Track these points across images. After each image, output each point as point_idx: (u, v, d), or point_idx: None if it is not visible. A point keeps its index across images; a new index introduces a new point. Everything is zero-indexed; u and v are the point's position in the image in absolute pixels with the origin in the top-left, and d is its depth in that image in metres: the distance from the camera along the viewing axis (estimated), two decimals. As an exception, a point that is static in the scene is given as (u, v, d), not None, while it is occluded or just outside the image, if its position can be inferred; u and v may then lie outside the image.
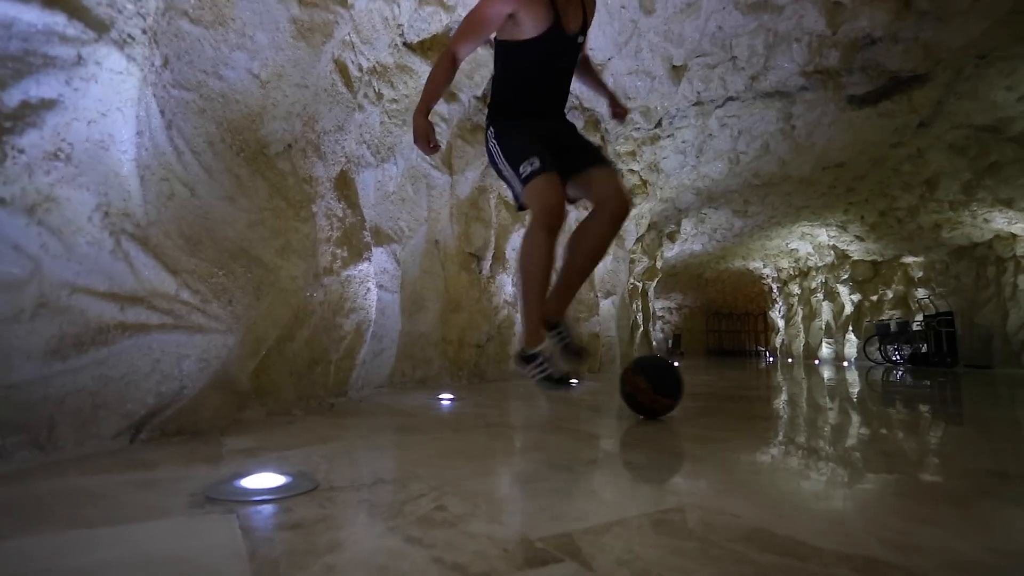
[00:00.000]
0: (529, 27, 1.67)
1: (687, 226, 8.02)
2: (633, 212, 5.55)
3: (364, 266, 2.27)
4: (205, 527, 0.69)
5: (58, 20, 0.91)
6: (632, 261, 6.26)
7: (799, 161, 5.99)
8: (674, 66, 3.96)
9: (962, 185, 6.60)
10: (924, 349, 7.80)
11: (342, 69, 2.27)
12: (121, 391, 1.12)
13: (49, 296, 0.97)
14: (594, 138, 4.38)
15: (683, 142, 5.13)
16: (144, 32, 1.09)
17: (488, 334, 3.57)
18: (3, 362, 0.91)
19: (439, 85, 1.70)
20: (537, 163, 1.62)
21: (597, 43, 3.58)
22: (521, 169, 1.63)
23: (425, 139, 1.62)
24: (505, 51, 1.77)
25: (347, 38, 2.27)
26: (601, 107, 4.15)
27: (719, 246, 9.93)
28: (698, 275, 13.70)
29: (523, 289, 1.66)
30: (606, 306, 4.92)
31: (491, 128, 1.78)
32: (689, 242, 9.00)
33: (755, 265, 12.40)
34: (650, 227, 6.67)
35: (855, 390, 3.64)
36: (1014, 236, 7.18)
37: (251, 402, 1.61)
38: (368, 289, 2.30)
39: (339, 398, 2.12)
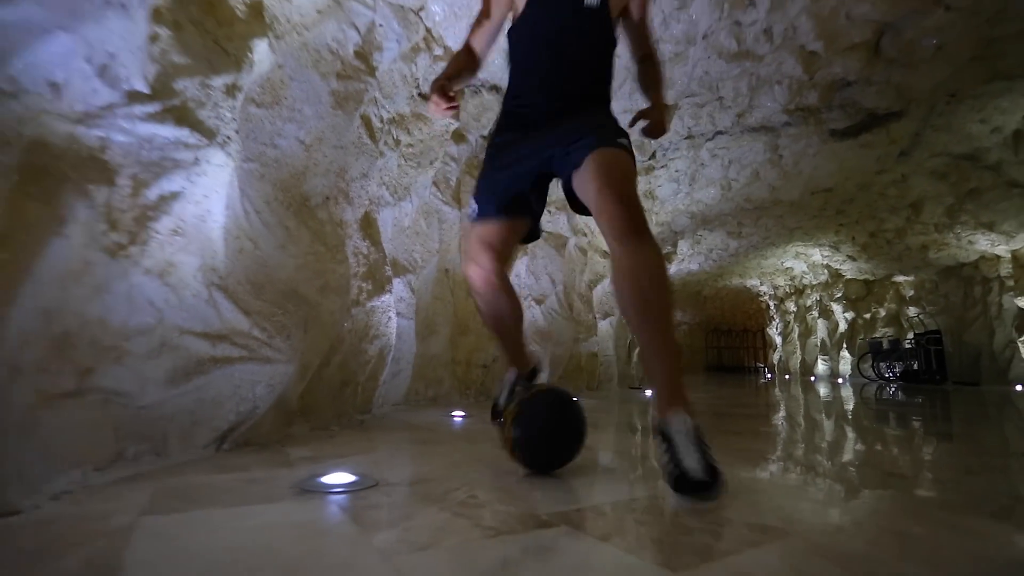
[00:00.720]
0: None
1: (683, 247, 8.35)
2: (629, 237, 5.87)
3: (386, 297, 2.58)
4: (311, 507, 0.99)
5: (183, 133, 1.23)
6: (629, 282, 6.57)
7: (788, 187, 6.34)
8: (665, 105, 4.31)
9: (945, 209, 6.94)
10: (915, 366, 8.09)
11: (367, 123, 2.60)
12: (211, 410, 1.43)
13: (167, 338, 1.28)
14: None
15: (676, 171, 5.48)
16: (236, 132, 1.41)
17: (493, 355, 3.87)
18: (139, 389, 1.21)
19: (455, 65, 1.52)
20: (474, 207, 1.49)
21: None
22: (471, 202, 1.52)
23: (436, 102, 1.36)
24: (508, 42, 1.55)
25: (373, 96, 2.61)
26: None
27: (715, 265, 10.26)
28: (696, 292, 14.01)
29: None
30: (604, 327, 5.22)
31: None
32: (686, 262, 9.33)
33: (752, 283, 12.72)
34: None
35: (850, 406, 3.92)
36: (998, 257, 7.51)
37: (297, 419, 1.92)
38: (389, 318, 2.61)
39: (365, 415, 2.42)
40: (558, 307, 4.50)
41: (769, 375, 11.65)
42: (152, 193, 1.19)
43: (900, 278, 9.39)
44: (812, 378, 9.82)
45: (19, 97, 0.95)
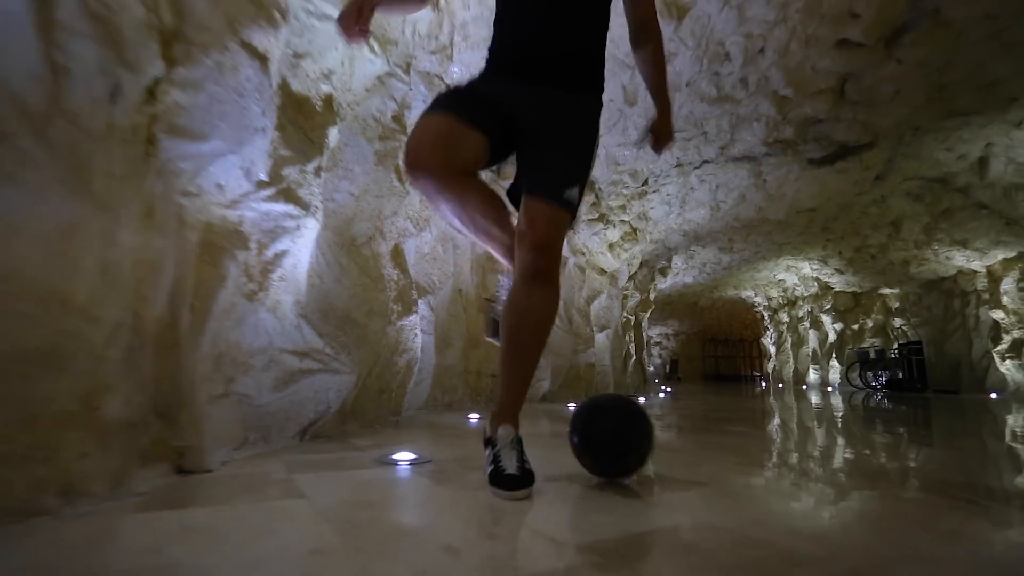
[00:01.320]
0: None
1: (677, 261, 8.86)
2: (624, 255, 6.39)
3: (413, 317, 3.07)
4: (392, 472, 1.47)
5: (289, 207, 1.72)
6: (625, 297, 7.07)
7: (774, 208, 6.85)
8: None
9: (922, 227, 7.46)
10: (900, 375, 8.57)
11: (396, 169, 3.09)
12: (298, 410, 1.91)
13: (274, 356, 1.76)
14: (587, 196, 5.22)
15: (668, 195, 5.99)
16: (322, 201, 1.91)
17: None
18: (257, 393, 1.69)
19: None
20: (433, 100, 1.38)
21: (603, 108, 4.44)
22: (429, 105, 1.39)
23: (356, 13, 1.27)
24: None
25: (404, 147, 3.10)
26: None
27: (710, 278, 10.76)
28: (693, 303, 14.51)
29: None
30: (600, 339, 5.71)
31: None
32: (681, 275, 9.84)
33: (747, 294, 13.23)
34: (642, 265, 7.49)
35: (839, 414, 4.37)
36: (974, 272, 8.01)
37: (349, 419, 2.39)
38: (416, 335, 3.09)
39: (397, 416, 2.89)
40: (558, 321, 4.98)
41: (764, 384, 12.12)
42: (270, 252, 1.67)
43: (886, 290, 9.89)
44: (804, 387, 10.29)
45: (200, 196, 1.44)
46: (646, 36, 1.51)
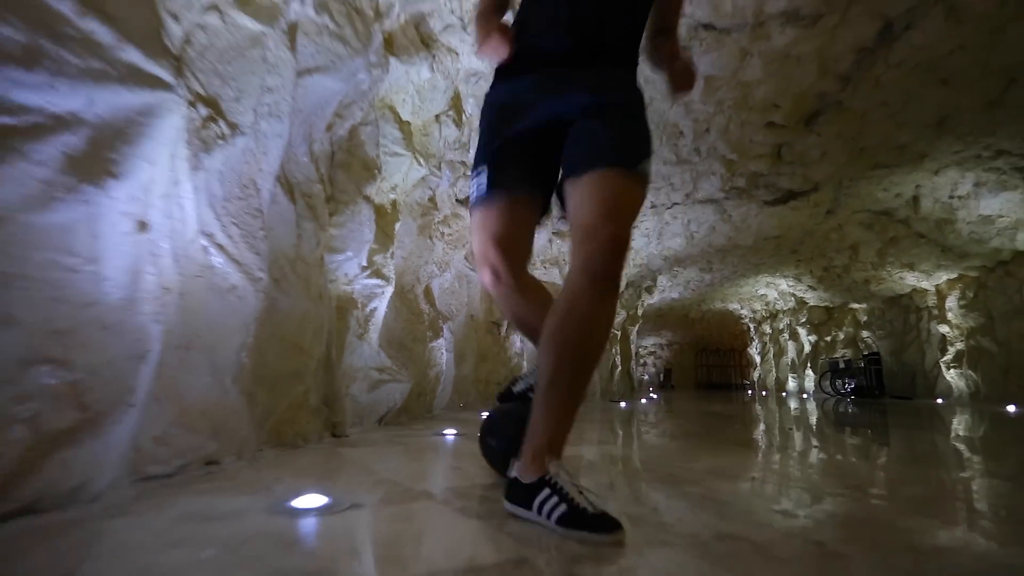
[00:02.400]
0: None
1: (662, 280, 10.01)
2: (610, 279, 7.52)
3: (440, 340, 4.22)
4: (444, 439, 2.61)
5: (379, 281, 2.87)
6: (612, 315, 8.20)
7: (742, 236, 8.00)
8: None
9: (876, 251, 8.60)
10: (864, 383, 9.70)
11: (430, 234, 4.25)
12: (378, 406, 3.05)
13: (367, 372, 2.91)
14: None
15: (646, 229, 7.14)
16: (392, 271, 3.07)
17: (504, 376, 5.50)
18: (359, 394, 2.83)
19: (483, 15, 1.38)
20: (482, 181, 1.26)
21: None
22: (471, 181, 1.30)
23: (491, 40, 1.23)
24: None
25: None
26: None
27: (695, 293, 11.91)
28: (684, 315, 15.65)
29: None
30: (589, 352, 6.85)
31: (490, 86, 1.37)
32: (667, 292, 10.99)
33: (734, 307, 14.37)
34: (628, 285, 8.64)
35: (811, 417, 5.52)
36: (925, 290, 9.15)
37: (403, 413, 3.54)
38: (442, 353, 4.24)
39: (430, 414, 4.04)
40: (552, 338, 6.12)
41: (751, 392, 13.26)
42: (368, 309, 2.83)
43: (855, 305, 11.03)
44: (784, 393, 11.43)
45: (336, 282, 2.59)
46: (663, 40, 1.44)
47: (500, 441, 1.46)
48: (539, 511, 1.04)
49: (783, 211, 7.09)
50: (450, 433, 2.74)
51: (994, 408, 6.34)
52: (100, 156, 1.12)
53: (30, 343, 1.02)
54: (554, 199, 1.33)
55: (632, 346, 10.19)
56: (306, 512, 1.14)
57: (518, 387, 1.64)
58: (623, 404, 6.67)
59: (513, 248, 1.29)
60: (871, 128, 5.08)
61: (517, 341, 5.68)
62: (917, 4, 3.49)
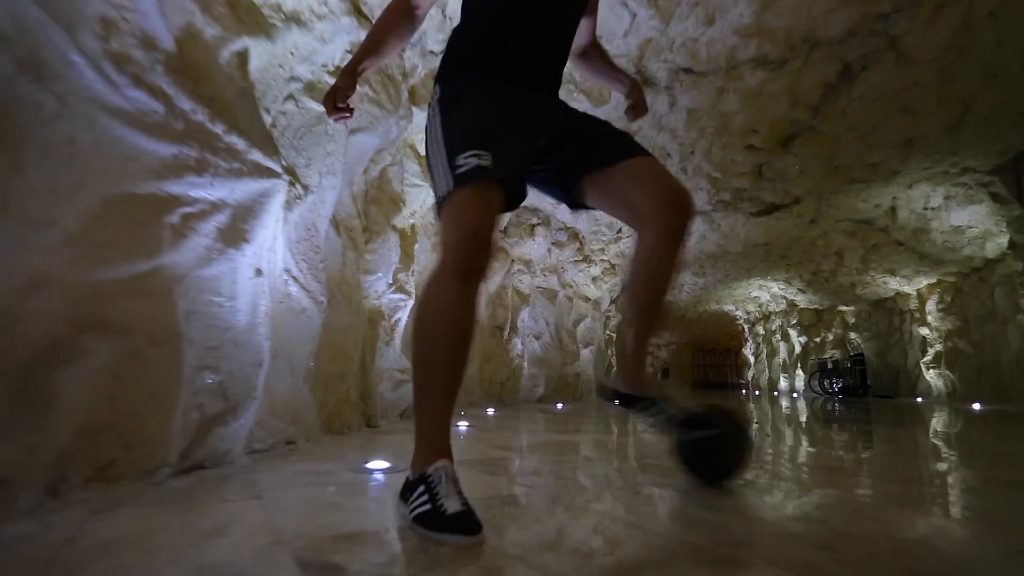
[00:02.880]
0: None
1: (657, 284, 10.53)
2: (605, 285, 8.08)
3: (450, 344, 4.76)
4: (458, 429, 3.14)
5: (402, 295, 3.41)
6: (608, 318, 8.76)
7: (731, 244, 8.53)
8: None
9: (859, 258, 9.13)
10: (849, 383, 10.25)
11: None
12: (401, 401, 3.59)
13: (391, 374, 3.45)
14: (576, 218, 6.91)
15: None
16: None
17: (507, 376, 6.04)
18: (387, 392, 3.37)
19: (382, 36, 1.36)
20: (485, 160, 1.10)
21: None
22: (457, 162, 1.11)
23: (333, 97, 1.31)
24: None
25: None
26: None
27: (690, 296, 12.45)
28: (682, 316, 16.18)
29: (418, 373, 1.13)
30: (585, 354, 7.40)
31: (439, 88, 1.29)
32: (662, 294, 11.52)
33: (729, 308, 14.91)
34: (624, 289, 9.17)
35: (801, 415, 6.07)
36: (908, 294, 9.69)
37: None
38: (452, 355, 4.78)
39: (441, 410, 4.58)
40: (551, 341, 6.67)
41: (745, 391, 13.81)
42: (393, 320, 3.36)
43: (843, 308, 11.57)
44: (776, 392, 11.98)
45: (368, 298, 3.12)
46: (594, 53, 1.66)
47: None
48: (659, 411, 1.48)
49: (768, 221, 7.62)
50: (463, 425, 3.28)
51: (963, 406, 6.88)
52: (237, 227, 1.66)
53: (199, 356, 1.56)
54: (533, 192, 1.44)
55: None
56: (377, 471, 1.67)
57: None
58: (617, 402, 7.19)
59: (493, 230, 1.17)
60: (844, 149, 5.61)
61: (519, 343, 6.22)
62: (869, 51, 4.02)
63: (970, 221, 7.13)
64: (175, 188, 1.49)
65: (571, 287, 7.19)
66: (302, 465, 1.77)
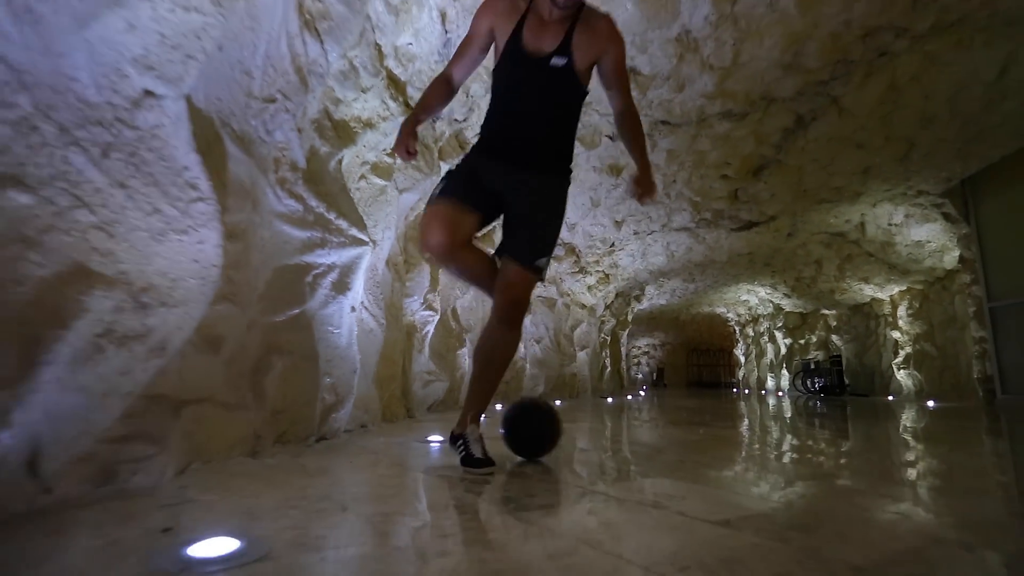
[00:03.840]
0: (500, 44, 1.83)
1: (650, 290, 11.45)
2: (600, 293, 8.97)
3: (463, 349, 5.65)
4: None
5: (431, 312, 4.30)
6: (602, 323, 9.66)
7: (717, 254, 9.42)
8: (616, 221, 7.40)
9: (836, 267, 10.03)
10: (830, 382, 11.17)
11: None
12: (428, 398, 4.48)
13: (421, 375, 4.34)
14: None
15: (631, 251, 8.57)
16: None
17: (511, 376, 6.93)
18: (418, 391, 4.26)
19: (429, 100, 1.89)
20: (443, 187, 1.84)
21: (580, 205, 7.03)
22: (434, 188, 1.87)
23: (403, 145, 1.78)
24: (492, 78, 1.94)
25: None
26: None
27: (681, 299, 13.36)
28: (675, 318, 17.10)
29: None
30: (581, 356, 8.30)
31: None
32: (655, 299, 12.43)
33: (721, 310, 15.82)
34: (618, 295, 10.07)
35: (785, 412, 6.97)
36: (882, 300, 10.60)
37: (441, 405, 4.98)
38: (465, 358, 5.67)
39: (457, 404, 5.47)
40: (550, 344, 7.56)
41: (736, 390, 14.73)
42: (424, 332, 4.25)
43: (826, 311, 12.49)
44: (763, 391, 12.90)
45: (406, 316, 4.01)
46: (622, 122, 1.92)
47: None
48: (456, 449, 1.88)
49: (749, 234, 8.50)
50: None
51: (921, 403, 7.80)
52: (343, 280, 2.55)
53: (324, 367, 2.45)
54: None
55: (622, 348, 11.65)
56: (434, 441, 2.56)
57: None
58: (609, 399, 8.12)
59: (454, 229, 1.80)
60: (809, 176, 6.51)
61: (522, 347, 7.10)
62: (817, 106, 4.91)
63: (928, 236, 8.03)
64: (309, 258, 2.38)
65: (568, 295, 8.08)
66: (383, 439, 2.66)
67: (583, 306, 8.59)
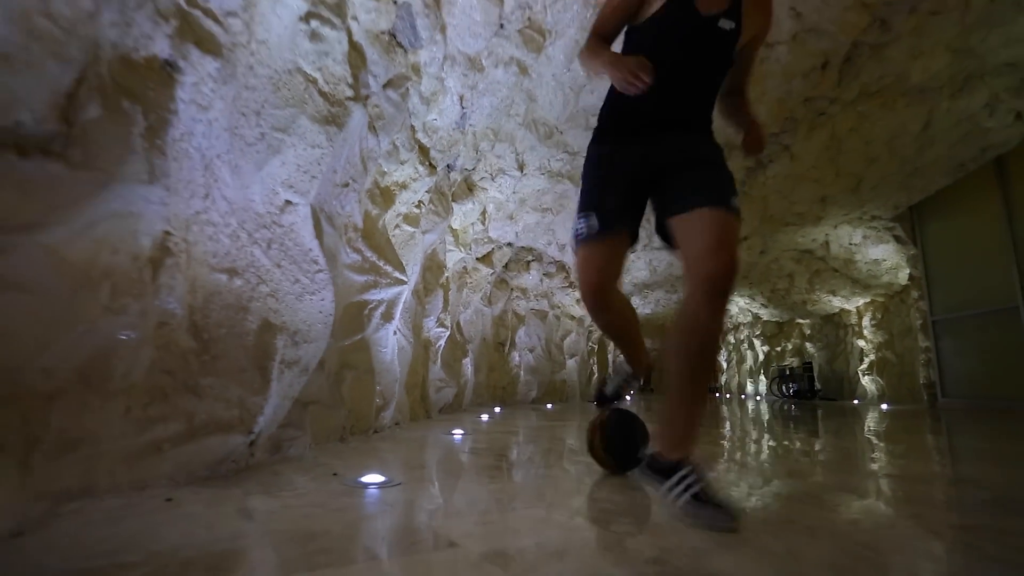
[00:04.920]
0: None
1: (635, 300, 12.36)
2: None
3: (467, 359, 6.50)
4: (481, 419, 4.89)
5: (444, 329, 5.15)
6: (590, 332, 10.55)
7: (695, 268, 10.34)
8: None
9: (806, 280, 11.01)
10: (802, 387, 12.14)
11: (460, 289, 6.53)
12: (439, 402, 5.33)
13: (435, 383, 5.18)
14: (562, 272, 8.70)
15: (616, 266, 9.45)
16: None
17: (507, 382, 7.80)
18: (432, 395, 5.10)
19: (595, 50, 1.63)
20: (592, 222, 1.61)
21: (570, 228, 7.93)
22: (577, 224, 1.64)
23: (635, 75, 1.44)
24: (627, 41, 1.71)
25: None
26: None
27: (666, 308, 14.30)
28: (661, 325, 18.03)
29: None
30: (571, 363, 9.19)
31: (589, 149, 1.72)
32: (640, 308, 13.35)
33: (704, 318, 16.75)
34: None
35: (763, 415, 7.86)
36: (849, 311, 11.60)
37: (449, 408, 5.83)
38: (468, 367, 6.53)
39: (461, 408, 6.33)
40: (542, 353, 8.44)
41: (717, 394, 15.69)
42: (437, 345, 5.10)
43: (801, 320, 13.48)
44: (743, 396, 13.86)
45: (423, 333, 4.86)
46: (735, 99, 1.81)
47: (622, 444, 2.07)
48: (672, 487, 1.35)
49: (725, 252, 9.43)
50: (484, 416, 5.02)
51: (877, 406, 8.76)
52: (389, 312, 3.40)
53: (377, 379, 3.29)
54: (639, 233, 1.76)
55: (609, 356, 12.55)
56: (456, 434, 3.42)
57: (609, 389, 2.22)
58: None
59: (610, 275, 1.69)
60: (772, 204, 7.45)
61: (516, 356, 7.97)
62: (771, 151, 5.83)
63: (884, 256, 9.02)
64: (366, 296, 3.24)
65: (559, 308, 8.97)
66: (417, 432, 3.52)
67: (572, 317, 9.47)
